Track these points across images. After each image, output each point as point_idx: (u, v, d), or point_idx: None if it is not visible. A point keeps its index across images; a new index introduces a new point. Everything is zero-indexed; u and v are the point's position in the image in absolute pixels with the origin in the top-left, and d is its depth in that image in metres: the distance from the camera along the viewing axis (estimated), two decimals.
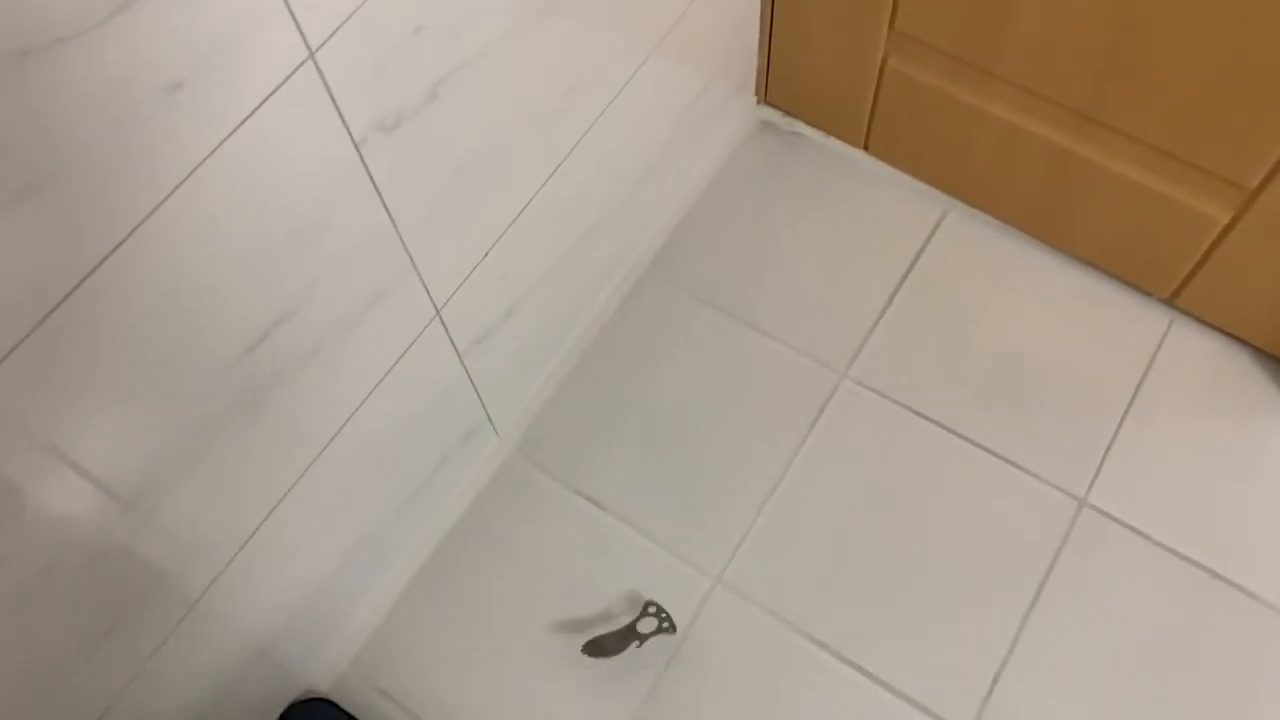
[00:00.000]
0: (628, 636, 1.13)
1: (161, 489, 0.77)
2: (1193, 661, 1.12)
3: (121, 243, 0.62)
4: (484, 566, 1.21)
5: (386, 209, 0.83)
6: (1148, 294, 1.31)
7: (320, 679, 1.15)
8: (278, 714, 1.11)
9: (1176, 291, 1.25)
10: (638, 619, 1.13)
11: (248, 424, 0.81)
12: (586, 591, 1.19)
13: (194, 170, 0.64)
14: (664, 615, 1.13)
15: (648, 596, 1.18)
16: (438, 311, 0.98)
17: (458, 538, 1.23)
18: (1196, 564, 1.17)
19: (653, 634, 1.13)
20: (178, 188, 0.64)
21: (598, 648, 1.13)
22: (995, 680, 1.12)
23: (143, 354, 0.69)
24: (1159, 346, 1.29)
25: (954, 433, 1.25)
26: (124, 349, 0.67)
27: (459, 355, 1.06)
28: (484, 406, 1.19)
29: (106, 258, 0.62)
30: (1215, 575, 1.16)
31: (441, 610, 1.19)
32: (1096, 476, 1.22)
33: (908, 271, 1.36)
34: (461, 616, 1.18)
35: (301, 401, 0.86)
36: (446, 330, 1.01)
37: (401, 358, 0.97)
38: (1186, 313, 1.29)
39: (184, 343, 0.71)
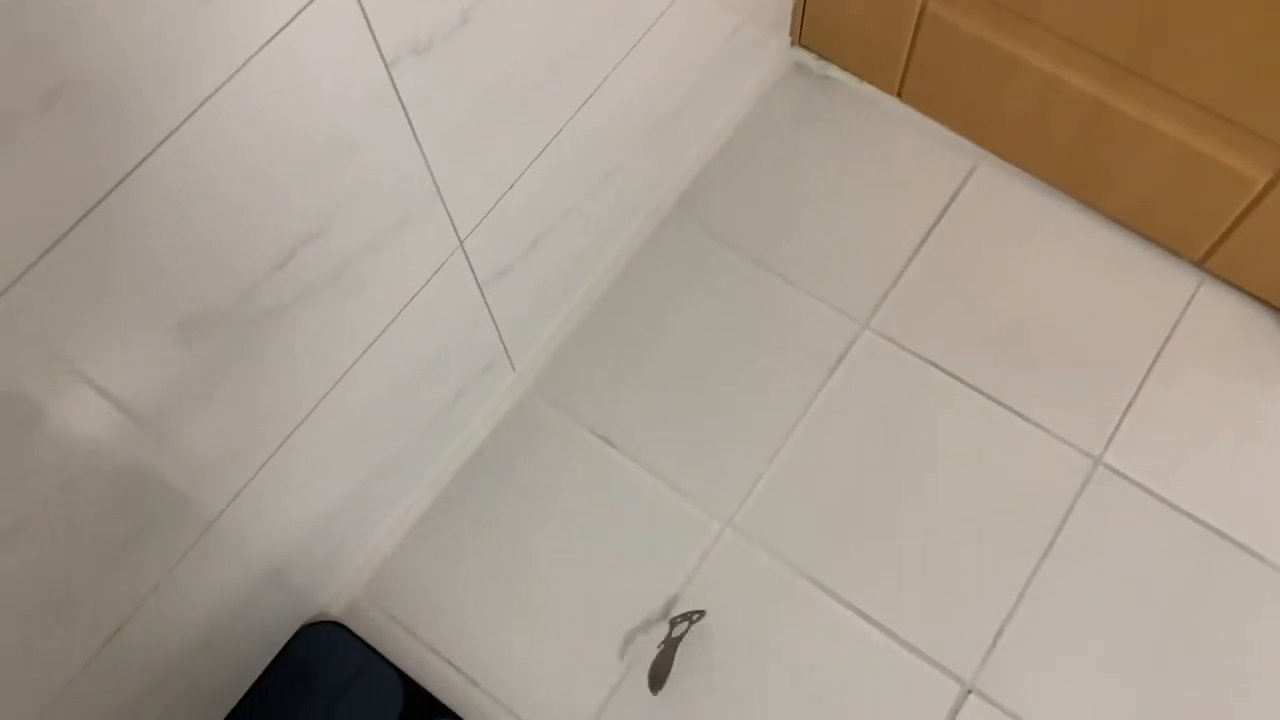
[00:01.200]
0: (672, 648, 1.11)
1: (183, 409, 0.77)
2: (1199, 623, 1.13)
3: (150, 154, 0.62)
4: (497, 500, 1.22)
5: (414, 133, 0.82)
6: (1178, 255, 1.29)
7: (332, 603, 1.17)
8: (290, 634, 1.13)
9: (1208, 253, 1.24)
10: (672, 631, 1.12)
11: (270, 345, 0.81)
12: (598, 529, 1.20)
13: (224, 83, 0.63)
14: (693, 615, 1.12)
15: (655, 540, 1.18)
16: (461, 242, 0.97)
17: (473, 470, 1.23)
18: (1209, 527, 1.17)
19: (689, 628, 1.12)
20: (207, 100, 0.63)
21: (658, 677, 1.10)
22: (999, 633, 1.13)
23: (169, 270, 0.68)
24: (1186, 308, 1.27)
25: (972, 387, 1.25)
26: (150, 265, 0.67)
27: (480, 287, 1.06)
28: (502, 341, 1.18)
29: (134, 170, 0.61)
30: (1227, 538, 1.16)
31: (454, 541, 1.20)
32: (1114, 436, 1.21)
33: (935, 223, 1.34)
34: (474, 548, 1.19)
35: (324, 325, 0.86)
36: (469, 261, 1.00)
37: (424, 286, 0.96)
38: (1216, 275, 1.27)
39: (211, 260, 0.71)
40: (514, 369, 1.26)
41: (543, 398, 1.27)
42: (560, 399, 1.27)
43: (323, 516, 1.05)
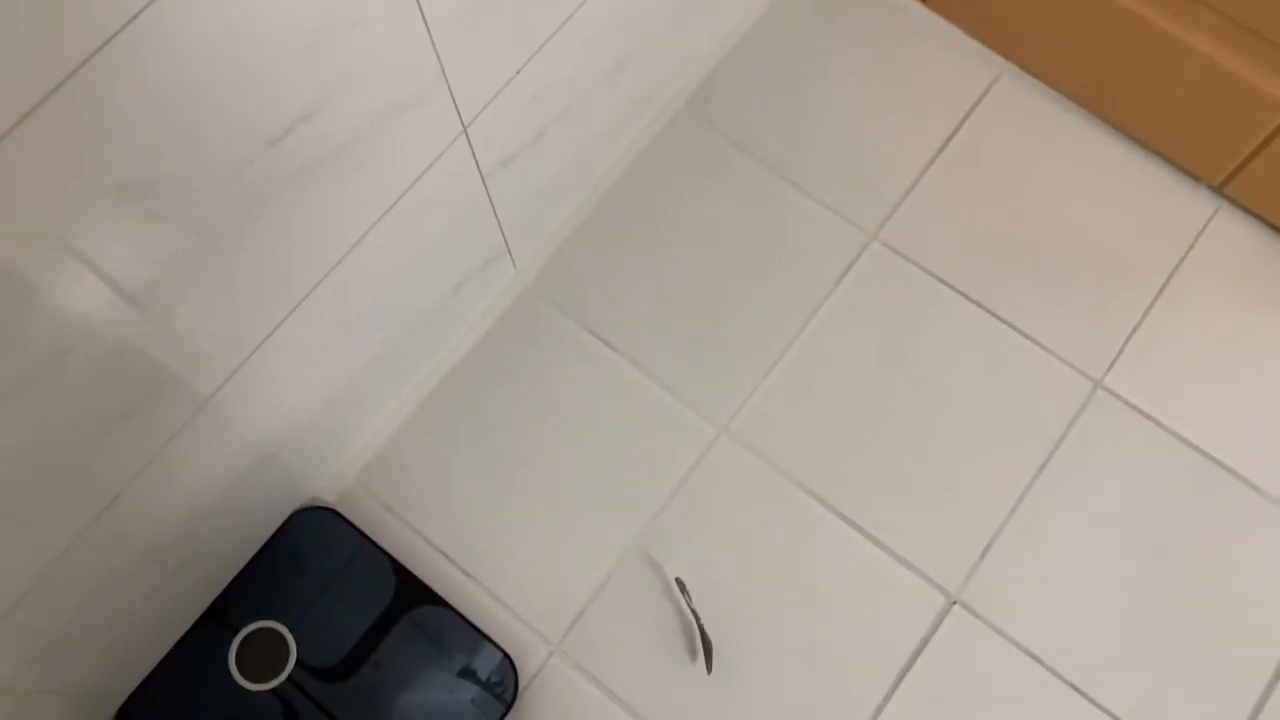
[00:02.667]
0: (699, 621, 1.10)
1: (174, 286, 0.76)
2: (1187, 547, 1.13)
3: (140, 12, 0.59)
4: (494, 396, 1.21)
5: (420, 9, 0.78)
6: (1197, 179, 1.26)
7: (326, 490, 1.18)
8: (284, 518, 1.14)
9: (1228, 179, 1.21)
10: (691, 609, 1.11)
11: (264, 225, 0.79)
12: (593, 430, 1.20)
13: None
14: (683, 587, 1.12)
15: (649, 443, 1.18)
16: (464, 128, 0.94)
17: (470, 365, 1.23)
18: (1205, 454, 1.17)
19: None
20: None
21: (709, 654, 1.10)
22: (988, 548, 1.14)
23: (159, 139, 0.66)
24: (1200, 234, 1.25)
25: (979, 304, 1.23)
26: (139, 136, 0.64)
27: (482, 177, 1.03)
28: (504, 235, 1.16)
29: (123, 29, 0.58)
30: (1223, 466, 1.16)
31: (449, 434, 1.20)
32: (1116, 360, 1.21)
33: (952, 135, 1.31)
34: (468, 442, 1.20)
35: (320, 207, 0.84)
36: (472, 148, 0.98)
37: (426, 172, 0.94)
38: (1234, 201, 1.25)
39: (203, 130, 0.68)
40: (515, 266, 1.24)
41: (543, 296, 1.26)
42: (560, 298, 1.25)
43: (319, 403, 1.05)
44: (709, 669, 1.08)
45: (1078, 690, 1.09)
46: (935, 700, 1.09)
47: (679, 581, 1.11)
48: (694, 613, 1.09)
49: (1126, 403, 1.19)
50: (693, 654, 1.11)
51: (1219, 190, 1.24)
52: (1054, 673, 1.09)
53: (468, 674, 1.07)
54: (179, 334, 0.79)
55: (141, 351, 0.77)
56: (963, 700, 1.09)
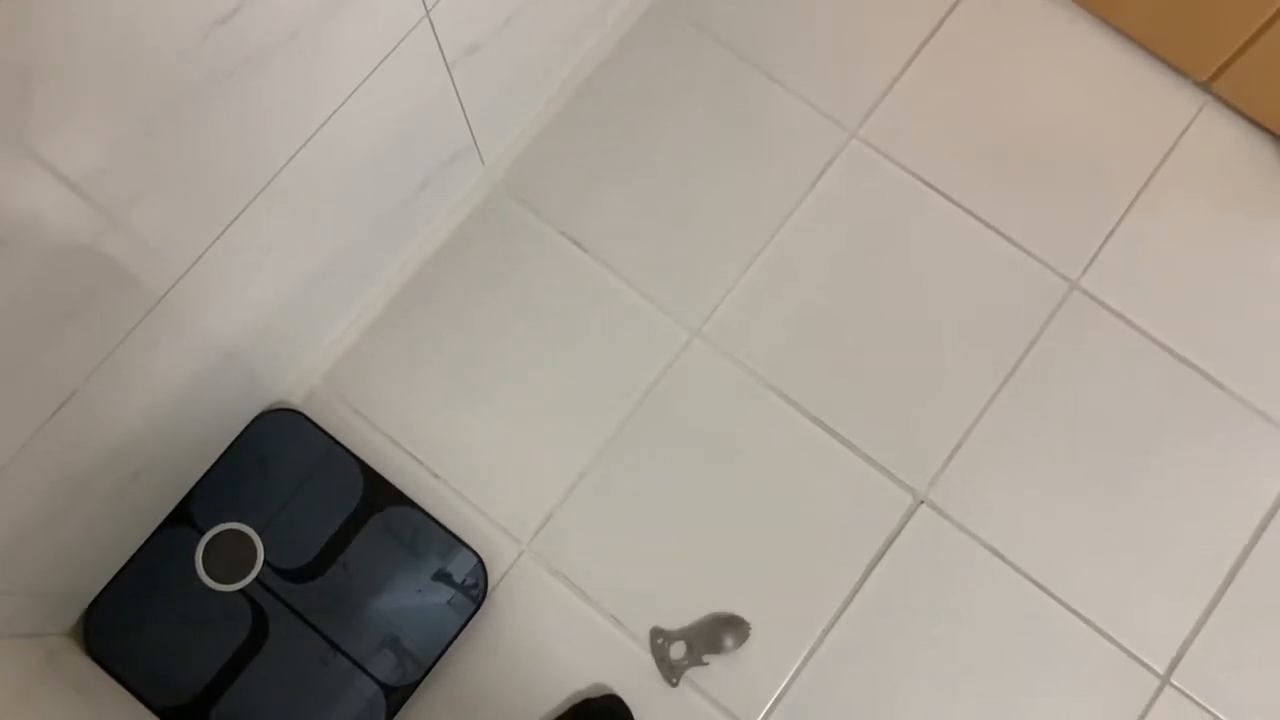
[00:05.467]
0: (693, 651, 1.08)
1: (120, 177, 0.72)
2: (1153, 449, 1.14)
3: None
4: (462, 298, 1.19)
5: None
6: (1184, 75, 1.23)
7: (291, 393, 1.15)
8: (247, 422, 1.11)
9: (1215, 74, 1.18)
10: (666, 658, 1.08)
11: (216, 113, 0.75)
12: (563, 332, 1.18)
13: None
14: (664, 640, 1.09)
15: (621, 346, 1.17)
16: (427, 11, 0.89)
17: (437, 266, 1.20)
18: (1176, 355, 1.17)
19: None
20: None
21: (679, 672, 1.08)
22: (956, 449, 1.15)
23: (99, 25, 0.61)
24: (1184, 132, 1.23)
25: (956, 203, 1.21)
26: (77, 18, 0.60)
27: (447, 66, 0.98)
28: (471, 130, 1.12)
29: None
30: (1193, 367, 1.16)
31: (417, 336, 1.18)
32: (1093, 261, 1.19)
33: (935, 30, 1.26)
34: (436, 344, 1.17)
35: (274, 93, 0.79)
36: (435, 34, 0.93)
37: (387, 58, 0.89)
38: (1220, 99, 1.22)
39: (145, 10, 0.64)
40: (483, 163, 1.20)
41: (512, 195, 1.22)
42: (531, 197, 1.22)
43: (279, 302, 1.02)
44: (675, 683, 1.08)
45: (1040, 587, 1.10)
46: (901, 597, 1.10)
47: (655, 633, 1.09)
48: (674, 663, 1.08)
49: (1101, 304, 1.18)
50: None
51: (1206, 87, 1.22)
52: (1018, 570, 1.11)
53: (437, 573, 1.07)
54: (126, 229, 0.76)
55: (87, 246, 0.73)
56: (928, 597, 1.10)
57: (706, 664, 1.07)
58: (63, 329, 0.77)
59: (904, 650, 1.09)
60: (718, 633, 1.08)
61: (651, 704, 1.07)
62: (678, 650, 1.08)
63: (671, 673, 1.07)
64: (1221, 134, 1.23)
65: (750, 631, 1.08)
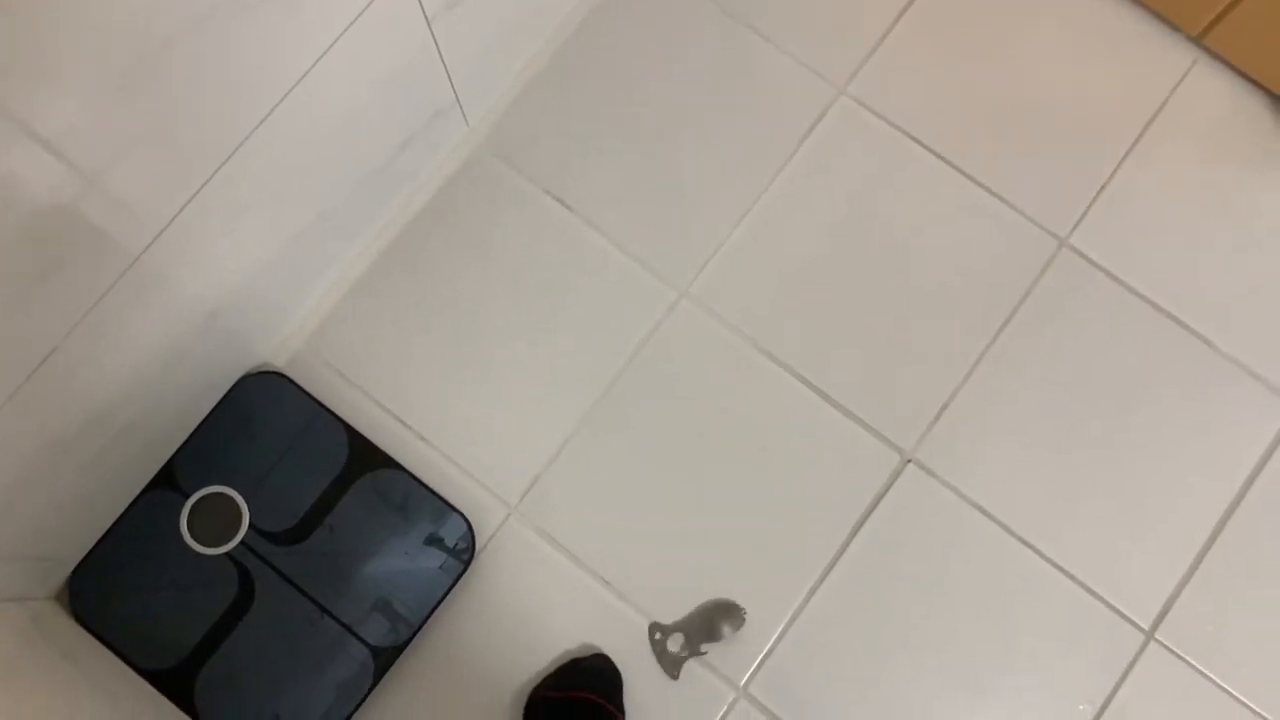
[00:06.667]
0: (696, 640, 1.07)
1: (91, 132, 0.70)
2: (1142, 404, 1.14)
3: None
4: (446, 258, 1.17)
5: None
6: (1177, 29, 1.21)
7: (275, 354, 1.14)
8: (230, 385, 1.10)
9: (1208, 28, 1.17)
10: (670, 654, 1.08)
11: (188, 65, 0.73)
12: (550, 293, 1.17)
13: None
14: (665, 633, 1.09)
15: (607, 306, 1.16)
16: None
17: (420, 226, 1.18)
18: (1164, 312, 1.16)
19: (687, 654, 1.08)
20: None
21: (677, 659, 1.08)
22: (945, 407, 1.14)
23: None
24: (1176, 87, 1.21)
25: (945, 160, 1.20)
26: None
27: (427, 20, 0.96)
28: (453, 87, 1.10)
29: None
30: (1180, 324, 1.16)
31: (401, 298, 1.16)
32: (1083, 218, 1.19)
33: None
34: (420, 306, 1.16)
35: (250, 42, 0.77)
36: None
37: (363, 12, 0.87)
38: (1213, 53, 1.21)
39: None
40: (467, 121, 1.18)
41: (497, 154, 1.20)
42: (516, 156, 1.20)
43: (260, 262, 1.00)
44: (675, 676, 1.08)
45: (1027, 544, 1.11)
46: (889, 556, 1.10)
47: (654, 628, 1.09)
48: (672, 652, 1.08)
49: (1090, 261, 1.18)
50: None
51: (1198, 40, 1.20)
52: (1005, 527, 1.11)
53: (425, 536, 1.07)
54: (98, 186, 0.74)
55: (59, 205, 0.72)
56: (916, 556, 1.11)
57: (705, 654, 1.07)
58: (34, 289, 0.75)
59: (891, 608, 1.09)
60: (714, 621, 1.08)
61: (640, 663, 1.07)
62: (675, 643, 1.08)
63: (672, 666, 1.07)
64: (1213, 89, 1.22)
65: (746, 616, 1.08)
